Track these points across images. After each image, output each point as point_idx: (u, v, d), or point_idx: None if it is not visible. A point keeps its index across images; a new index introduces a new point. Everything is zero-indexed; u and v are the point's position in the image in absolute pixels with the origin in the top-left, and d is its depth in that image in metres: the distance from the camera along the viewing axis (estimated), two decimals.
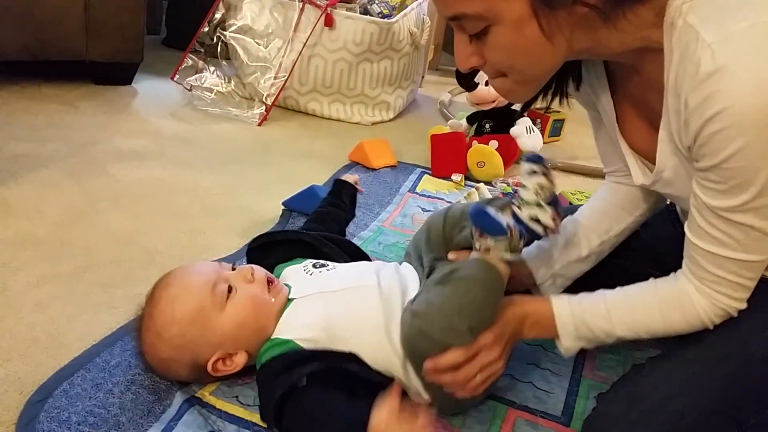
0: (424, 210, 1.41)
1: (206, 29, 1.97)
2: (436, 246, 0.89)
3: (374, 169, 1.60)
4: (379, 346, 0.76)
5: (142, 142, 1.61)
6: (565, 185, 1.59)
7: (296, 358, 0.74)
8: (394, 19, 1.91)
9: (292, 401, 0.71)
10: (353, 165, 1.62)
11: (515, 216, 0.78)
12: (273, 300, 0.80)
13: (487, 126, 1.73)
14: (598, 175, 1.68)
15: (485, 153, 1.60)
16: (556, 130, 2.00)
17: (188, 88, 2.00)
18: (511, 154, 1.67)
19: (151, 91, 2.03)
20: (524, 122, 1.67)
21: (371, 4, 1.99)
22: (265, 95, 1.91)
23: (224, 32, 1.97)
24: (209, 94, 1.99)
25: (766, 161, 0.59)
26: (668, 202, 1.07)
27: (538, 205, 0.77)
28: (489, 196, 1.33)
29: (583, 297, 0.79)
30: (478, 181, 1.58)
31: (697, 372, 0.73)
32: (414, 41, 2.01)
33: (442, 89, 2.42)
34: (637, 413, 0.71)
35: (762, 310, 0.73)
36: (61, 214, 1.20)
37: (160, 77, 2.12)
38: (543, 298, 0.82)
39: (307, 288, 0.83)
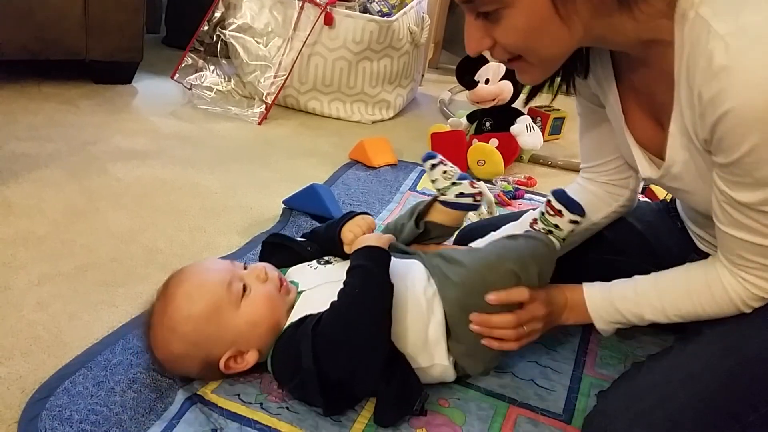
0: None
1: (206, 28, 1.97)
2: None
3: (375, 168, 1.60)
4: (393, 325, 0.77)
5: (142, 141, 1.61)
6: (565, 183, 1.56)
7: (309, 317, 0.76)
8: (393, 18, 1.91)
9: (320, 327, 0.73)
10: (354, 163, 1.62)
11: (445, 203, 0.92)
12: (285, 298, 0.80)
13: (488, 124, 1.73)
14: None
15: (486, 151, 1.60)
16: (557, 128, 2.00)
17: (188, 87, 2.00)
18: (511, 152, 1.67)
19: (151, 90, 2.03)
20: (524, 120, 1.68)
21: (371, 3, 1.99)
22: (265, 94, 1.91)
23: (224, 31, 1.97)
24: (209, 92, 1.99)
25: None
26: (668, 198, 1.08)
27: (454, 183, 0.91)
28: (488, 194, 1.35)
29: (615, 284, 0.83)
30: (478, 179, 1.58)
31: (697, 369, 0.72)
32: (414, 40, 2.01)
33: (443, 88, 2.42)
34: (637, 410, 0.72)
35: (762, 309, 0.73)
36: (62, 213, 1.20)
37: (160, 76, 2.12)
38: (577, 286, 0.86)
39: (314, 280, 0.84)
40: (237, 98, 2.01)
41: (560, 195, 0.85)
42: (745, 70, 0.56)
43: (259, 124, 1.86)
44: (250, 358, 0.78)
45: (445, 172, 0.91)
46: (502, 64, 1.71)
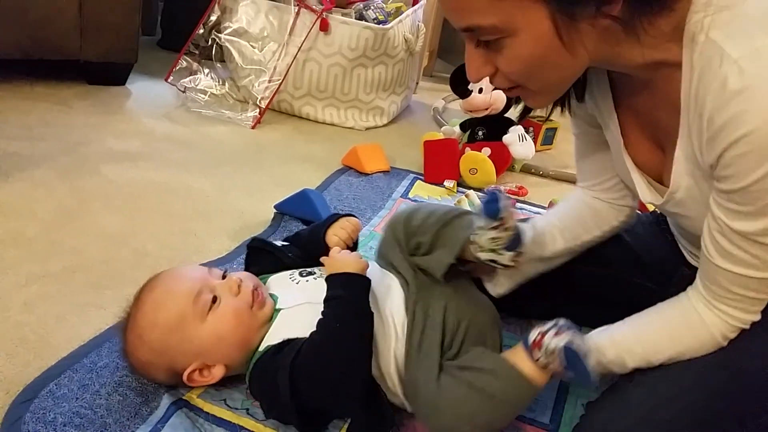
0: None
1: (201, 31, 1.97)
2: (403, 253, 0.86)
3: (367, 174, 1.60)
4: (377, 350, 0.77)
5: (135, 142, 1.61)
6: (556, 193, 1.60)
7: (290, 342, 0.75)
8: (389, 26, 1.92)
9: (299, 357, 0.71)
10: (346, 169, 1.62)
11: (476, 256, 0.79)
12: (258, 314, 0.78)
13: (480, 133, 1.74)
14: None
15: (478, 160, 1.61)
16: (549, 139, 2.01)
17: (182, 89, 2.00)
18: (503, 161, 1.67)
19: (144, 92, 2.03)
20: (517, 130, 1.68)
21: (367, 10, 2.00)
22: (259, 98, 1.91)
23: (219, 35, 1.97)
24: (203, 96, 1.99)
25: None
26: (659, 213, 1.08)
27: (494, 251, 0.77)
28: (478, 202, 1.32)
29: (592, 335, 0.77)
30: (470, 188, 1.58)
31: (685, 383, 0.72)
32: (409, 47, 2.02)
33: (436, 96, 2.43)
34: (625, 423, 0.72)
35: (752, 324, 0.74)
36: (52, 214, 1.20)
37: (154, 78, 2.11)
38: None
39: (294, 298, 0.82)
40: (231, 102, 2.01)
41: (571, 355, 0.71)
42: (763, 95, 0.55)
43: (253, 128, 1.85)
44: (217, 373, 0.77)
45: (494, 240, 0.77)
46: None
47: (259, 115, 1.88)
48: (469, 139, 1.77)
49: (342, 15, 1.92)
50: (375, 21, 1.96)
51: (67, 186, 1.31)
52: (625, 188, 0.90)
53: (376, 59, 1.95)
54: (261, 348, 0.77)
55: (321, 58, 1.91)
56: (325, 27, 1.86)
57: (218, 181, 1.46)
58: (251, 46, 1.95)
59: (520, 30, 0.60)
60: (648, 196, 0.78)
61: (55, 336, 0.87)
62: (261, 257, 0.92)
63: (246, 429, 0.76)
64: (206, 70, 2.04)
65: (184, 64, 2.01)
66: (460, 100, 1.77)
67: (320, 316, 0.74)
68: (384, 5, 2.07)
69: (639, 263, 0.98)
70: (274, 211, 1.31)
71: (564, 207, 0.97)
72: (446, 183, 1.60)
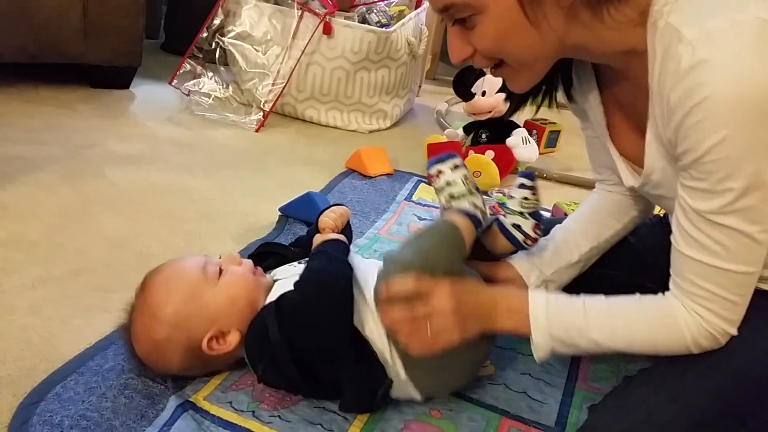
0: (420, 218, 1.42)
1: (205, 35, 1.98)
2: None
3: (371, 177, 1.60)
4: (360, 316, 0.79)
5: (139, 146, 1.61)
6: (560, 196, 1.60)
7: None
8: (392, 29, 1.93)
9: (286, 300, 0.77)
10: (350, 172, 1.62)
11: (502, 226, 0.87)
12: (260, 279, 0.84)
13: (484, 136, 1.74)
14: (592, 186, 1.65)
15: (481, 163, 1.61)
16: (552, 141, 2.01)
17: (186, 93, 2.00)
18: (507, 164, 1.68)
19: (148, 95, 2.03)
20: (520, 133, 1.69)
21: (370, 14, 2.01)
22: (262, 101, 1.91)
23: (223, 38, 1.98)
24: (207, 99, 2.00)
25: (748, 154, 0.59)
26: (661, 213, 1.09)
27: (521, 214, 0.86)
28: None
29: (562, 294, 0.78)
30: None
31: (686, 384, 0.73)
32: (411, 51, 2.02)
33: (440, 98, 2.44)
34: (627, 424, 0.72)
35: (750, 325, 0.72)
36: (56, 217, 1.20)
37: (157, 82, 2.12)
38: (517, 289, 0.82)
39: (291, 272, 0.86)
40: (234, 105, 2.02)
41: (429, 163, 0.86)
42: (714, 66, 0.58)
43: (257, 131, 1.86)
44: (232, 339, 0.79)
45: (526, 199, 0.86)
46: (499, 78, 1.73)
47: (262, 118, 1.88)
48: (472, 142, 1.77)
49: (345, 18, 1.93)
50: (378, 24, 1.97)
51: (71, 189, 1.31)
52: None
53: (379, 62, 1.96)
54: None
55: (324, 61, 1.91)
56: (328, 30, 1.87)
57: (222, 183, 1.46)
58: (255, 49, 1.96)
59: (488, 6, 0.64)
60: (630, 180, 0.81)
61: (60, 339, 0.87)
62: (267, 258, 0.95)
63: (251, 431, 0.76)
64: (210, 74, 2.05)
65: (188, 67, 2.02)
66: (464, 103, 1.77)
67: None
68: (387, 9, 2.08)
69: (643, 265, 0.98)
70: (279, 213, 1.31)
71: (580, 211, 0.99)
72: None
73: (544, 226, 0.89)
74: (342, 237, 0.89)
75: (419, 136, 1.94)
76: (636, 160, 0.79)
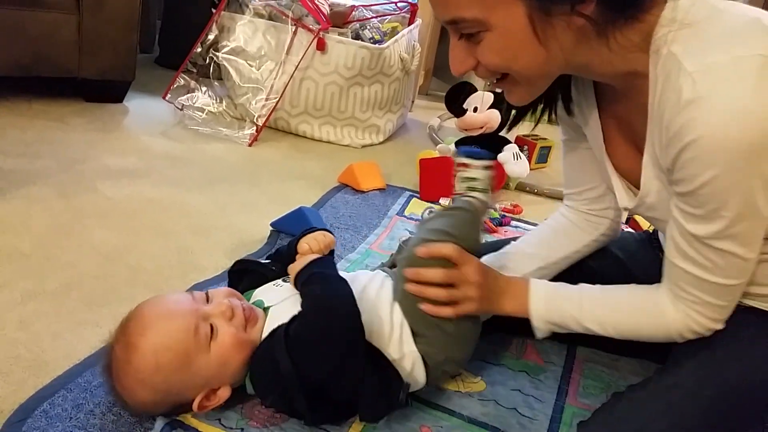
0: (411, 233, 1.42)
1: (199, 50, 1.99)
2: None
3: (363, 192, 1.61)
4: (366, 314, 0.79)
5: (132, 160, 1.61)
6: (551, 211, 1.58)
7: (277, 329, 0.77)
8: (385, 45, 1.94)
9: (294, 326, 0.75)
10: (342, 187, 1.63)
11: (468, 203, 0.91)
12: (252, 332, 0.78)
13: None
14: None
15: None
16: (543, 157, 2.03)
17: (179, 107, 2.01)
18: (498, 179, 1.69)
19: (142, 109, 2.04)
20: (511, 149, 1.70)
21: (363, 30, 2.02)
22: (256, 116, 1.92)
23: (217, 53, 1.99)
24: (200, 113, 2.00)
25: (739, 188, 0.62)
26: (650, 229, 1.10)
27: (472, 188, 0.90)
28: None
29: (560, 284, 0.85)
30: None
31: (675, 399, 0.74)
32: (404, 67, 2.04)
33: (432, 114, 2.45)
34: None
35: (739, 339, 0.75)
36: (48, 230, 1.20)
37: (151, 96, 2.12)
38: (521, 278, 0.88)
39: (280, 295, 0.84)
40: (228, 120, 2.02)
41: (463, 150, 0.89)
42: (711, 105, 0.59)
43: (250, 145, 1.86)
44: (223, 394, 0.77)
45: (473, 178, 0.91)
46: (490, 93, 1.75)
47: (256, 133, 1.89)
48: None
49: (339, 34, 1.94)
50: (371, 40, 1.99)
51: (63, 203, 1.31)
52: (605, 200, 0.94)
53: (372, 78, 1.97)
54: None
55: (318, 76, 1.93)
56: (321, 46, 1.88)
57: (215, 198, 1.46)
58: (249, 64, 1.97)
59: (499, 24, 0.64)
60: (625, 200, 0.83)
61: (50, 354, 0.87)
62: (244, 277, 0.91)
63: None
64: (204, 88, 2.06)
65: (182, 82, 2.03)
66: (456, 118, 1.79)
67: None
68: (380, 25, 2.10)
69: (633, 280, 0.99)
70: (270, 228, 1.32)
71: (537, 230, 1.03)
72: (442, 201, 1.60)
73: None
74: (321, 254, 0.87)
75: (412, 151, 1.96)
76: (631, 178, 0.81)
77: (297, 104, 1.97)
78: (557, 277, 0.96)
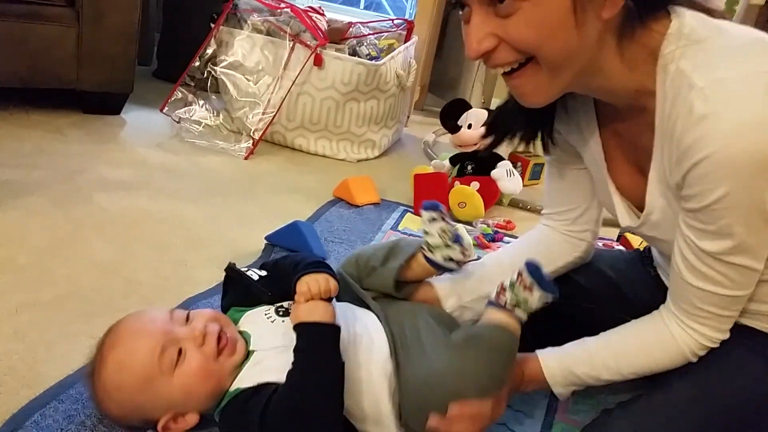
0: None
1: (197, 64, 2.01)
2: (358, 286, 0.92)
3: (358, 206, 1.62)
4: (353, 396, 0.76)
5: (129, 171, 1.63)
6: None
7: (265, 386, 0.73)
8: (381, 62, 1.97)
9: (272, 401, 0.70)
10: (337, 201, 1.64)
11: (429, 260, 0.89)
12: (226, 362, 0.76)
13: (469, 168, 1.78)
14: None
15: (466, 194, 1.64)
16: (536, 174, 2.05)
17: (176, 120, 2.02)
18: (491, 195, 1.71)
19: (139, 121, 2.05)
20: (505, 165, 1.72)
21: (360, 46, 2.05)
22: (252, 130, 1.94)
23: (215, 67, 2.01)
24: (197, 126, 2.02)
25: (752, 203, 0.63)
26: (641, 247, 1.11)
27: (446, 246, 0.88)
28: (467, 236, 1.32)
29: (568, 348, 0.84)
30: (459, 221, 1.61)
31: (665, 416, 0.75)
32: (400, 83, 2.06)
33: (427, 129, 2.48)
34: None
35: (731, 358, 0.76)
36: (44, 242, 1.20)
37: (148, 108, 2.14)
38: (531, 355, 0.85)
39: (270, 340, 0.79)
40: (225, 133, 2.04)
41: (534, 270, 0.81)
42: (724, 120, 0.60)
43: (246, 158, 1.88)
44: (190, 420, 0.76)
45: (443, 231, 0.88)
46: (484, 111, 1.77)
47: (252, 146, 1.90)
48: (458, 173, 1.80)
49: (336, 51, 1.97)
50: (368, 57, 2.01)
51: (60, 214, 1.32)
52: (584, 222, 0.94)
53: (368, 94, 1.99)
54: (232, 389, 0.75)
55: (314, 91, 1.95)
56: (319, 62, 1.91)
57: (210, 211, 1.48)
58: (246, 79, 1.99)
59: None
60: (627, 220, 0.83)
61: (44, 365, 0.87)
62: (236, 287, 0.90)
63: None
64: (201, 102, 2.07)
65: (180, 95, 2.04)
66: (450, 134, 1.81)
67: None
68: (377, 42, 2.12)
69: (624, 299, 1.00)
70: (265, 242, 1.33)
71: (516, 244, 1.02)
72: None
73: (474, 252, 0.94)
74: (329, 312, 0.76)
75: (406, 166, 1.98)
76: (632, 197, 0.81)
77: (293, 118, 1.99)
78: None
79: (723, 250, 0.67)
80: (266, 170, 1.83)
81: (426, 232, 0.89)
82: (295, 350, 0.73)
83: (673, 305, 0.76)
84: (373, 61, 1.97)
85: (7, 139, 1.68)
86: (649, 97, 0.69)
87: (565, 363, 0.83)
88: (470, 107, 1.81)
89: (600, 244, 1.49)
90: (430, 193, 1.65)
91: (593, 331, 0.96)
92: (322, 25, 2.02)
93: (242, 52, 1.98)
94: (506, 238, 1.58)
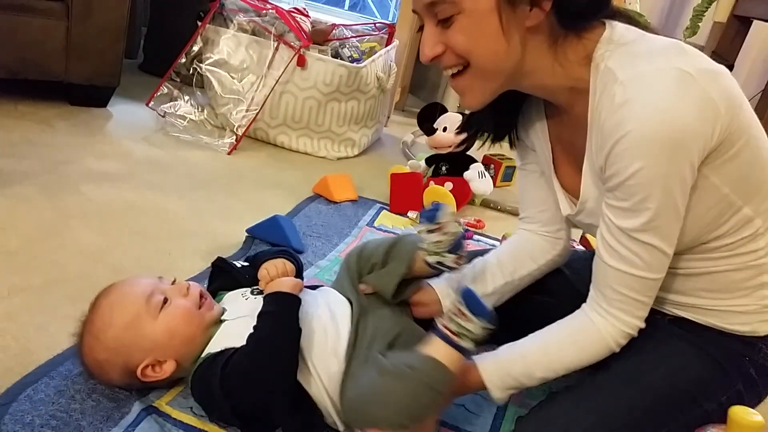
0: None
1: (183, 60, 2.05)
2: (352, 280, 0.99)
3: (336, 203, 1.69)
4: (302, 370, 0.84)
5: (114, 163, 1.67)
6: (511, 227, 1.68)
7: (228, 350, 0.83)
8: (362, 64, 2.03)
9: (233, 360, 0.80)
10: (316, 197, 1.71)
11: (426, 262, 0.93)
12: (205, 314, 0.87)
13: (444, 168, 1.85)
14: None
15: (440, 193, 1.71)
16: (508, 176, 2.13)
17: (162, 114, 2.06)
18: (463, 196, 1.79)
19: (125, 114, 2.09)
20: (477, 167, 1.80)
21: (342, 48, 2.11)
22: (236, 126, 1.99)
23: (201, 64, 2.05)
24: (182, 121, 2.06)
25: (661, 180, 0.70)
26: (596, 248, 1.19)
27: (439, 254, 0.92)
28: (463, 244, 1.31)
29: (502, 350, 0.88)
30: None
31: (602, 398, 0.83)
32: (381, 85, 2.13)
33: (407, 129, 2.54)
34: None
35: (665, 346, 0.86)
36: (33, 229, 1.25)
37: (135, 102, 2.18)
38: (468, 363, 0.87)
39: (238, 311, 0.90)
40: (209, 128, 2.08)
41: (468, 297, 0.79)
42: (639, 105, 0.69)
43: (229, 154, 1.93)
44: (168, 368, 0.84)
45: (438, 242, 0.91)
46: (459, 115, 1.85)
47: (235, 142, 1.96)
48: (433, 174, 1.88)
49: (319, 52, 2.03)
50: (350, 59, 2.07)
51: (48, 203, 1.37)
52: (558, 222, 1.01)
53: (350, 94, 2.06)
54: (203, 355, 0.85)
55: (297, 91, 2.01)
56: (302, 62, 1.97)
57: (193, 203, 1.53)
58: (231, 76, 2.04)
59: (470, 6, 0.72)
60: (567, 208, 0.92)
61: (35, 344, 0.93)
62: (222, 275, 1.01)
63: None
64: (186, 97, 2.11)
65: (165, 90, 2.08)
66: (426, 136, 1.88)
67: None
68: (359, 44, 2.19)
69: (576, 294, 1.08)
70: (246, 234, 1.39)
71: (502, 248, 1.10)
72: (410, 214, 1.70)
73: (468, 256, 0.99)
74: (295, 286, 0.88)
75: (384, 165, 2.04)
76: (573, 193, 0.90)
77: (276, 116, 2.04)
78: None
79: (635, 227, 0.74)
80: (248, 165, 1.88)
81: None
82: (259, 314, 0.84)
83: (594, 292, 0.83)
84: (355, 63, 2.03)
85: None
86: (582, 96, 0.78)
87: (500, 364, 0.86)
88: (446, 111, 1.89)
89: None
90: (405, 192, 1.72)
91: (548, 322, 1.05)
92: (306, 26, 2.08)
93: (228, 51, 2.04)
94: (476, 236, 1.66)
